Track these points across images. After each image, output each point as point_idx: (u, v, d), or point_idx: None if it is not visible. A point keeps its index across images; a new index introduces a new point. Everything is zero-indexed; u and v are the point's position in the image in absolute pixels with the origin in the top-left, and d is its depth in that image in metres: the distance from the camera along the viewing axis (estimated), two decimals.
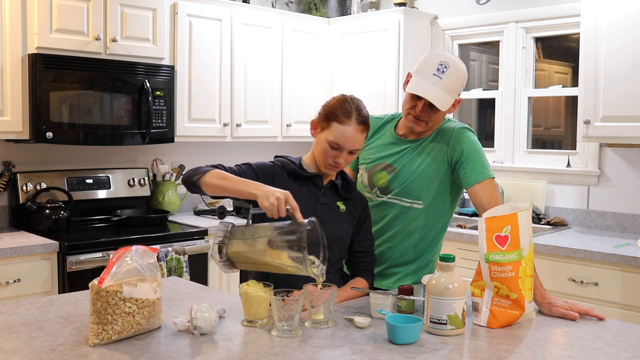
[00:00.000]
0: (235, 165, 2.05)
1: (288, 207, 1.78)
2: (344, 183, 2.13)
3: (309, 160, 2.11)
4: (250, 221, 1.84)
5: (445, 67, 2.10)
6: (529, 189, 4.01)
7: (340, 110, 1.99)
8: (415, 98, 2.13)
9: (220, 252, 1.83)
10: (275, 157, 2.16)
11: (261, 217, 1.87)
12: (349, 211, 2.11)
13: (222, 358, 1.52)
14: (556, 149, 4.19)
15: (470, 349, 1.64)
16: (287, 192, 1.81)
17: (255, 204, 1.86)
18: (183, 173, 4.14)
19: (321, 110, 2.05)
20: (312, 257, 1.77)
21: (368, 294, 2.04)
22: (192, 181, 1.98)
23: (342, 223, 2.08)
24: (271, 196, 1.78)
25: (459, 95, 2.17)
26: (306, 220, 1.77)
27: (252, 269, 1.96)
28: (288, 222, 1.79)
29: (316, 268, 1.77)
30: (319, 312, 1.75)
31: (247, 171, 2.03)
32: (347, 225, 2.10)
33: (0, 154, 3.53)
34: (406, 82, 2.19)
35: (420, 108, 2.13)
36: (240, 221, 1.92)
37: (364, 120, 2.00)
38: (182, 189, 4.17)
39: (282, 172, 2.07)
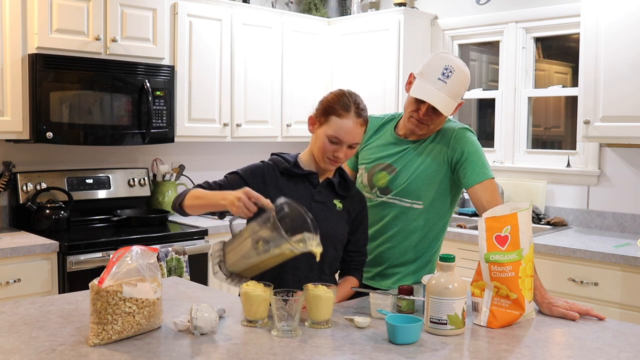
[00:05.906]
0: (224, 176, 2.05)
1: (255, 201, 1.77)
2: (342, 181, 2.10)
3: (305, 157, 2.10)
4: (234, 231, 1.85)
5: (451, 71, 2.09)
6: (529, 189, 4.01)
7: (339, 104, 1.97)
8: (418, 101, 2.12)
9: (221, 269, 1.83)
10: (272, 154, 2.14)
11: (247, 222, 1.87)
12: (345, 209, 2.09)
13: (222, 358, 1.52)
14: (556, 149, 4.18)
15: (470, 349, 1.64)
16: (245, 187, 1.81)
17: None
18: (183, 172, 4.14)
19: (319, 106, 2.04)
20: (300, 235, 1.77)
21: (365, 294, 2.04)
22: (177, 208, 2.04)
23: (338, 221, 2.06)
24: (235, 199, 1.79)
25: (461, 98, 2.17)
26: (278, 202, 1.77)
27: (257, 272, 1.87)
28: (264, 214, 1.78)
29: (306, 242, 1.76)
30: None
31: (232, 180, 2.03)
32: (344, 224, 2.08)
33: (0, 154, 3.53)
34: (409, 83, 2.19)
35: (424, 112, 2.12)
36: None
37: (362, 114, 1.99)
38: (182, 189, 4.17)
39: (274, 171, 2.05)
